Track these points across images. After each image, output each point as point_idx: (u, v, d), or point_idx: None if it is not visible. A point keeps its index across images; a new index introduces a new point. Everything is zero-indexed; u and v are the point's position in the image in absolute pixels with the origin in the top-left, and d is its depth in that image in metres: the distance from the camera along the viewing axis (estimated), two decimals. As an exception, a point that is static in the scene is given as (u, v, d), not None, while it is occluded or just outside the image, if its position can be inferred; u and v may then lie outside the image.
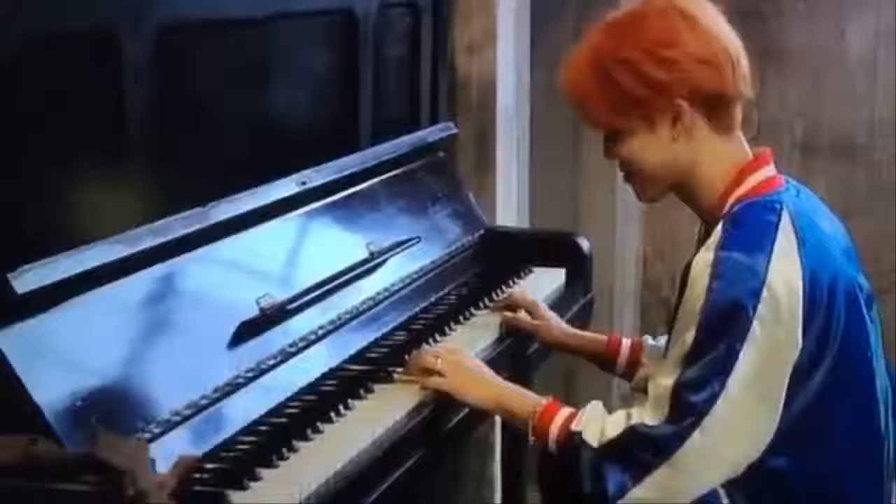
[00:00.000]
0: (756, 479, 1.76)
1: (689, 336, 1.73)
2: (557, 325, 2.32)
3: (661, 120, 1.81)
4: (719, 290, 1.71)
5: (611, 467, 1.74)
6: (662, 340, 2.14)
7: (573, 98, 1.88)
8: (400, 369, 2.02)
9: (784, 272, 1.72)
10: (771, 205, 1.79)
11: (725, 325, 1.71)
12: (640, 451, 1.73)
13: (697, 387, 1.71)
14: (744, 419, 1.72)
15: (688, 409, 1.71)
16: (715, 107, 1.81)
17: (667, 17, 1.81)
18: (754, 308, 1.70)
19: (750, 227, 1.76)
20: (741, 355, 1.70)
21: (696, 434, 1.70)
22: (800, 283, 1.72)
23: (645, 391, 1.82)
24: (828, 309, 1.74)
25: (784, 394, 1.73)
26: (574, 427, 1.79)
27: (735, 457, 1.74)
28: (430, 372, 1.96)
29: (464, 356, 2.00)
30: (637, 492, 1.73)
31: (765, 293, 1.70)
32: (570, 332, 2.32)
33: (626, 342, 2.22)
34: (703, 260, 1.75)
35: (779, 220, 1.76)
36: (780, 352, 1.72)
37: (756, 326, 1.70)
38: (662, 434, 1.72)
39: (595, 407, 1.83)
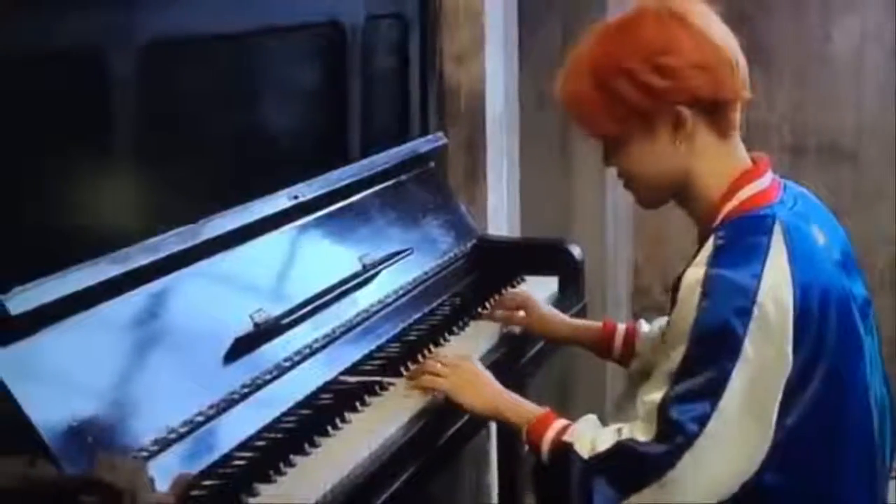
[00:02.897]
0: (750, 496, 1.73)
1: (678, 354, 1.71)
2: (552, 315, 2.33)
3: (662, 127, 1.79)
4: (709, 310, 1.69)
5: (599, 481, 1.72)
6: (657, 325, 2.15)
7: (572, 108, 1.86)
8: (396, 380, 2.03)
9: (774, 290, 1.69)
10: (762, 220, 1.75)
11: (715, 346, 1.68)
12: (630, 468, 1.71)
13: (687, 406, 1.68)
14: (737, 439, 1.69)
15: (678, 428, 1.68)
16: (715, 111, 1.79)
17: (662, 23, 1.79)
18: (744, 327, 1.68)
19: (740, 244, 1.73)
20: (733, 375, 1.67)
21: (688, 455, 1.67)
22: (790, 300, 1.69)
23: (641, 377, 1.81)
24: (819, 323, 1.71)
25: (776, 411, 1.70)
26: (566, 438, 1.78)
27: (728, 476, 1.71)
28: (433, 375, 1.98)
29: (468, 361, 2.01)
30: None
31: (755, 312, 1.68)
32: (565, 321, 2.33)
33: (620, 328, 2.23)
34: (694, 276, 1.73)
35: (770, 235, 1.73)
36: (772, 370, 1.69)
37: (747, 346, 1.68)
38: (653, 453, 1.69)
39: (588, 420, 1.82)
